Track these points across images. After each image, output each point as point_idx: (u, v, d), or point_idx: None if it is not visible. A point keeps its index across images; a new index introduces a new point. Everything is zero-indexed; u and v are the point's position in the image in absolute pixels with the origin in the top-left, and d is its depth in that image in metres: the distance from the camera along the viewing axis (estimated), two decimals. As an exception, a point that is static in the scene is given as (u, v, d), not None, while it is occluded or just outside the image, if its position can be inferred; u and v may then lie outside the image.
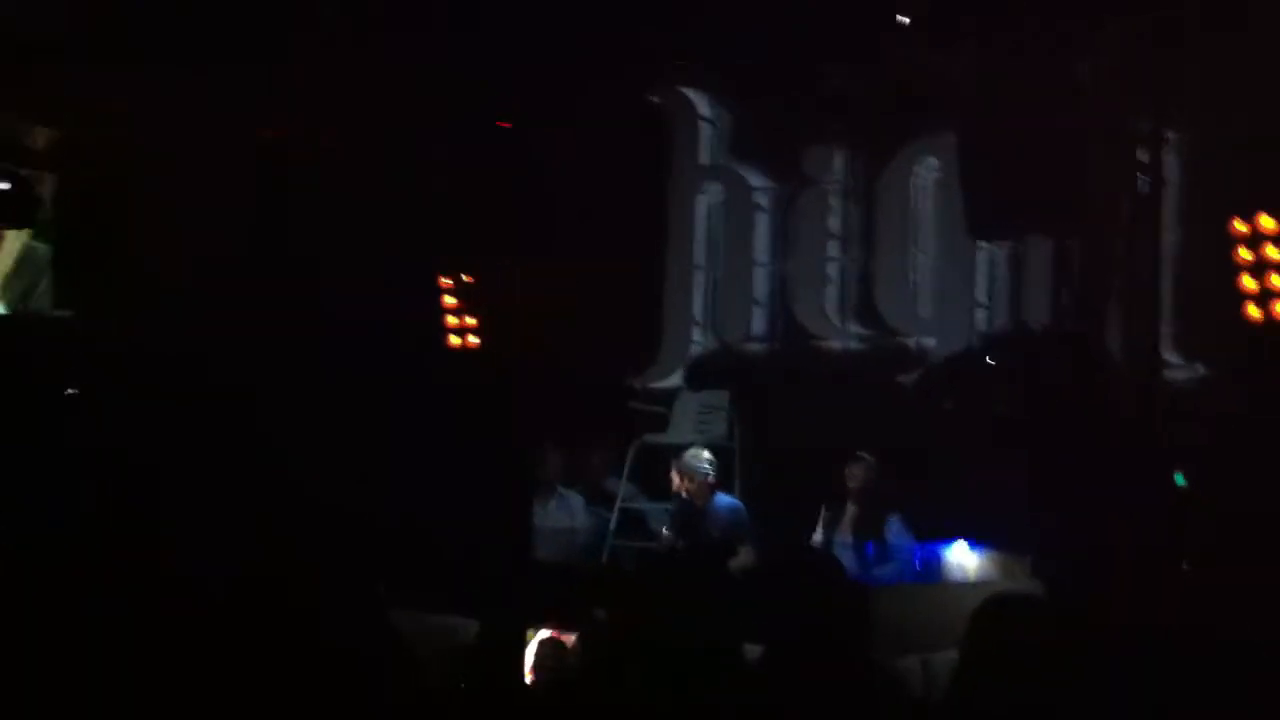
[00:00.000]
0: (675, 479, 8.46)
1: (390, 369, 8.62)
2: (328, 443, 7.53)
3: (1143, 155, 8.61)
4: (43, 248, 8.75)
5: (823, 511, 8.66)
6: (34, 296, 8.75)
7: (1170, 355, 8.83)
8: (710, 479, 8.42)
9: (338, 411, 7.92)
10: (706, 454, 8.56)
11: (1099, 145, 8.69)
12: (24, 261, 8.77)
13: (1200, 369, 8.82)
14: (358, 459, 7.68)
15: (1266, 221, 7.80)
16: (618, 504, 9.26)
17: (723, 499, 8.46)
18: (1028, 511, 8.00)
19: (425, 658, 4.30)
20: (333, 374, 8.12)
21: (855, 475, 8.60)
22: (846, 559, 8.33)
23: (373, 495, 7.24)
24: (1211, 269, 8.39)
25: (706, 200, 10.92)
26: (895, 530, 8.49)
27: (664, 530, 8.55)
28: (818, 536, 8.58)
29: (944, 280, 10.11)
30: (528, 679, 4.29)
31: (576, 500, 9.34)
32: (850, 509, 8.62)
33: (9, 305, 8.82)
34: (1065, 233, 9.01)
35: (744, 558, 7.91)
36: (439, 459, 8.27)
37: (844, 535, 8.54)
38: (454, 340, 9.59)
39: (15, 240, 8.73)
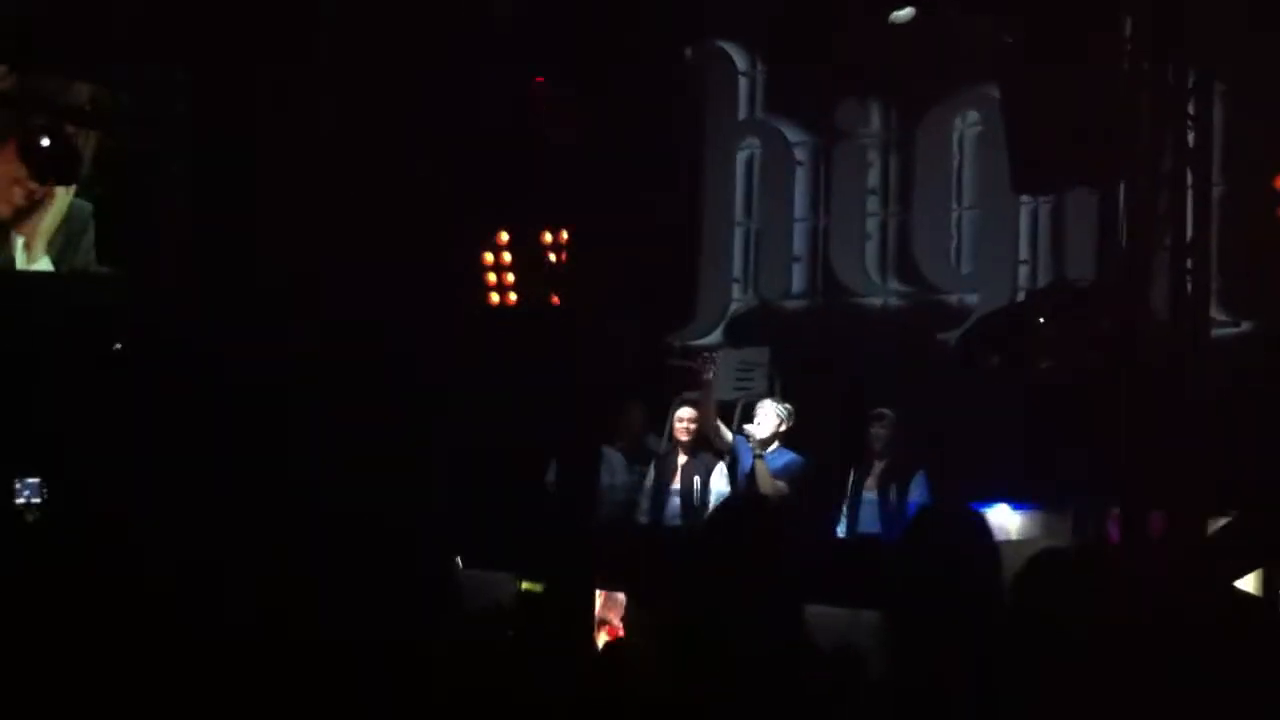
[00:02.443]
0: (751, 423, 8.39)
1: (431, 329, 8.60)
2: (376, 407, 7.52)
3: (1188, 108, 8.48)
4: (85, 205, 8.74)
5: (851, 468, 8.64)
6: (78, 253, 8.75)
7: (1218, 313, 8.73)
8: (784, 428, 8.39)
9: (381, 375, 7.91)
10: (785, 404, 8.56)
11: (1143, 97, 8.56)
12: (67, 218, 8.78)
13: (1248, 327, 8.72)
14: (407, 423, 7.67)
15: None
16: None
17: (785, 451, 8.44)
18: (1071, 472, 7.93)
19: (488, 615, 4.33)
20: (377, 338, 8.10)
21: (878, 434, 8.60)
22: (870, 513, 8.37)
23: (424, 458, 7.24)
24: (1259, 225, 8.27)
25: (745, 156, 10.85)
26: (919, 486, 8.46)
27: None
28: (848, 492, 8.56)
29: (985, 236, 10.03)
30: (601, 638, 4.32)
31: (616, 458, 9.32)
32: (876, 465, 8.61)
33: (54, 261, 8.83)
34: (1109, 187, 8.89)
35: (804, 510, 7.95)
36: (483, 419, 8.26)
37: (870, 491, 8.52)
38: (494, 298, 9.56)
39: (61, 197, 8.73)
